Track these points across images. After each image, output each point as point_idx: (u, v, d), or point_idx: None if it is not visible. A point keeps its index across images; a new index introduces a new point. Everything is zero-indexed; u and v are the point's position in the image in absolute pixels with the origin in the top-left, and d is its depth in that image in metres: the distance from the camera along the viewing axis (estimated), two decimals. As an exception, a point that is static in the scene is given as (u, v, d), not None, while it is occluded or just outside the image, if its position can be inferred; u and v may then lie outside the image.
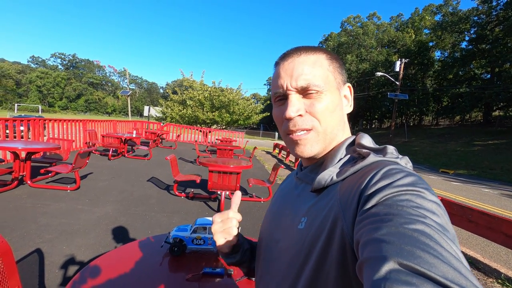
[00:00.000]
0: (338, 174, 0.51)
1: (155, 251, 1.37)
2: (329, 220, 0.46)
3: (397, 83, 24.68)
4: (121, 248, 1.39)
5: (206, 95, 20.13)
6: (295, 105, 0.54)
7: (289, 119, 0.55)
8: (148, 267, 1.24)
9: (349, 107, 0.62)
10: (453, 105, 32.41)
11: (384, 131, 39.16)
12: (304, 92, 0.55)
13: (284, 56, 0.58)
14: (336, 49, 43.97)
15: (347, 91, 0.62)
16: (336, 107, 0.57)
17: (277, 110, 0.59)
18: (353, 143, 0.57)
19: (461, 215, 3.28)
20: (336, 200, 0.47)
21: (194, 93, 20.23)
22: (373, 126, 51.63)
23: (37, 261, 2.46)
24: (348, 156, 0.54)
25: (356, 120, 52.73)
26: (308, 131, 0.55)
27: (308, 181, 0.60)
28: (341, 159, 0.54)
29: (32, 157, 5.09)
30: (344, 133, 0.60)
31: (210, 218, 1.44)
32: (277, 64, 0.60)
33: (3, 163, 5.47)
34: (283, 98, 0.57)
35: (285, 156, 13.70)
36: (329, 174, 0.52)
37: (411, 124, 41.96)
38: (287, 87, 0.55)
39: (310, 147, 0.56)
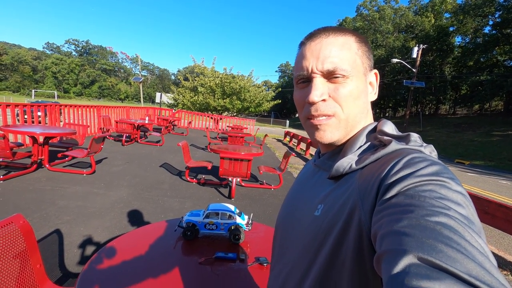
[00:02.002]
0: (357, 162, 0.49)
1: (168, 235, 1.40)
2: (347, 208, 0.45)
3: (414, 70, 23.86)
4: (136, 231, 1.43)
5: (217, 82, 20.07)
6: (319, 89, 0.52)
7: (312, 104, 0.53)
8: (162, 250, 1.26)
9: (373, 94, 0.60)
10: (472, 94, 31.20)
11: (398, 120, 38.23)
12: (330, 75, 0.52)
13: (311, 36, 0.55)
14: (351, 34, 42.60)
15: (373, 77, 0.59)
16: (360, 94, 0.54)
17: (299, 93, 0.57)
18: (374, 130, 0.55)
19: (476, 207, 3.20)
20: (354, 189, 0.45)
21: (205, 79, 20.20)
22: (387, 114, 50.48)
23: (57, 241, 2.57)
24: (369, 143, 0.52)
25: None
26: (330, 117, 0.53)
27: (325, 168, 0.58)
28: (361, 146, 0.52)
29: (50, 141, 5.24)
30: (366, 121, 0.58)
31: (222, 204, 1.45)
32: (302, 44, 0.57)
33: (23, 147, 5.67)
34: (307, 80, 0.55)
35: (296, 144, 13.62)
36: (348, 161, 0.50)
37: (427, 113, 40.75)
38: (312, 70, 0.53)
39: (330, 133, 0.54)
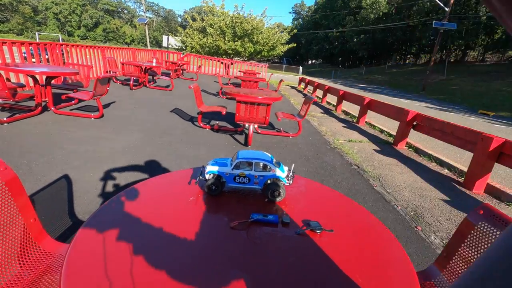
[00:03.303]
0: None
1: (187, 189, 1.10)
2: None
3: (446, 9, 21.31)
4: (148, 182, 1.13)
5: (227, 22, 18.47)
6: None
7: None
8: (180, 207, 0.97)
9: None
10: (508, 38, 28.19)
11: (419, 68, 35.82)
12: None
13: None
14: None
15: None
16: None
17: None
18: None
19: None
20: None
21: (215, 19, 18.59)
22: (408, 61, 47.22)
23: (65, 187, 2.39)
24: None
25: (389, 55, 48.24)
26: None
27: None
28: None
29: (53, 83, 4.89)
30: None
31: (256, 151, 1.11)
32: None
33: (25, 88, 5.36)
34: None
35: (310, 92, 12.96)
36: None
37: (452, 60, 37.70)
38: None
39: None
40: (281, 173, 1.06)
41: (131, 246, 0.76)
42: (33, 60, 6.06)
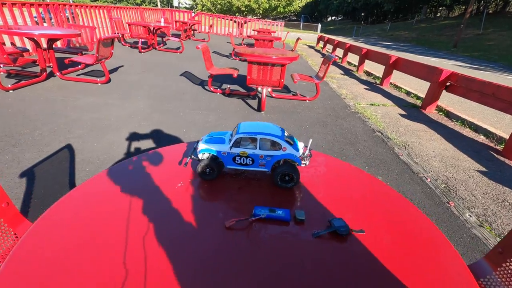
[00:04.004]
0: None
1: (177, 170, 0.89)
2: None
3: (492, -52, 18.42)
4: (134, 159, 0.93)
5: (240, -25, 17.00)
6: None
7: None
8: (167, 194, 0.77)
9: None
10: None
11: (452, 21, 32.45)
12: None
13: None
14: None
15: None
16: None
17: None
18: None
19: None
20: None
21: (226, -28, 17.14)
22: (438, 14, 42.80)
23: (68, 158, 2.27)
24: None
25: (418, 8, 43.81)
26: None
27: None
28: None
29: (57, 46, 4.68)
30: None
31: (262, 123, 0.86)
32: None
33: (31, 53, 5.18)
34: None
35: (330, 51, 12.07)
36: None
37: (491, 11, 33.64)
38: None
39: None
40: (295, 151, 0.82)
41: (92, 246, 0.57)
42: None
